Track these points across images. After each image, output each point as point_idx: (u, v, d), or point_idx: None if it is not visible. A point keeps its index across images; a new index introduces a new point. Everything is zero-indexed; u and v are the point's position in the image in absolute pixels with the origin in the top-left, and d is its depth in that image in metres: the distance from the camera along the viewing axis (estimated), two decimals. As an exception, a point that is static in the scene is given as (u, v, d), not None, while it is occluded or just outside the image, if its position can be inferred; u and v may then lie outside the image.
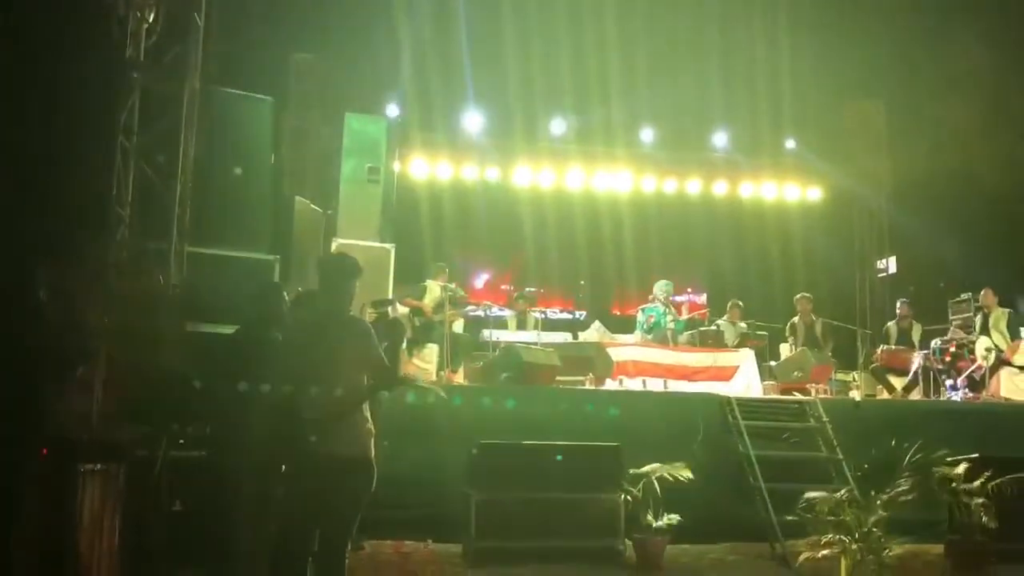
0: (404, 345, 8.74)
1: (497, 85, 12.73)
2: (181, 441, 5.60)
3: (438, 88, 12.37)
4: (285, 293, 5.45)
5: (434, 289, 9.92)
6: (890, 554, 4.34)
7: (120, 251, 6.43)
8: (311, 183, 10.59)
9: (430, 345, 9.51)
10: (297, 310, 5.27)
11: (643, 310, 11.09)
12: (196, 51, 7.05)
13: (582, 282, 13.29)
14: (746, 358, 10.32)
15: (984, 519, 6.75)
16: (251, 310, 5.29)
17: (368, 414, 4.14)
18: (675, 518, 6.80)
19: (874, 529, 4.32)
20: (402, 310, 9.48)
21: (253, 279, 6.82)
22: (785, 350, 11.19)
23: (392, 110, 12.83)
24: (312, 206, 9.41)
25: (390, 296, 9.01)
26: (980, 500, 6.81)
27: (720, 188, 14.93)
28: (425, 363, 9.30)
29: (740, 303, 11.67)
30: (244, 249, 7.45)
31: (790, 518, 6.42)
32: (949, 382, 9.96)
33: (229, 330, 5.52)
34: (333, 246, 9.06)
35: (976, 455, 7.11)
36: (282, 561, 3.97)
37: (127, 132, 6.58)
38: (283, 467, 4.25)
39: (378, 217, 9.64)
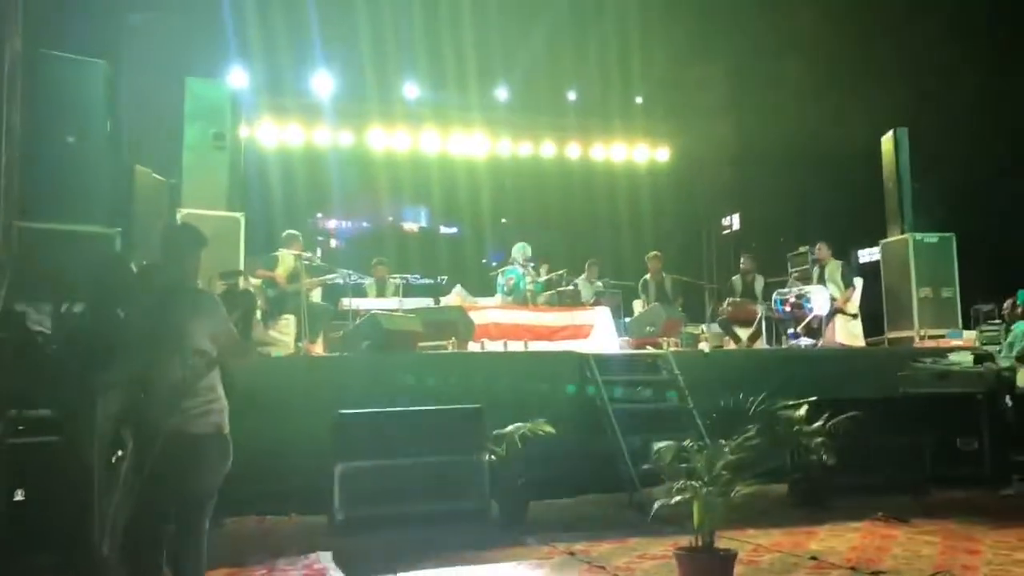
0: (258, 317, 8.52)
1: (347, 47, 12.46)
2: (20, 428, 5.30)
3: (285, 51, 12.00)
4: (133, 266, 5.19)
5: (287, 259, 9.67)
6: (738, 495, 4.58)
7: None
8: (152, 151, 10.08)
9: (287, 316, 9.28)
10: (141, 284, 5.02)
11: (503, 273, 11.20)
12: (15, 10, 6.54)
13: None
14: (602, 315, 10.60)
15: (823, 457, 7.22)
16: (93, 287, 5.02)
17: (221, 389, 4.01)
18: (538, 475, 6.95)
19: (723, 472, 4.54)
20: (255, 282, 9.21)
21: (93, 254, 6.48)
22: (638, 306, 11.57)
23: (237, 74, 12.36)
24: (154, 175, 8.98)
25: (240, 267, 8.73)
26: (819, 439, 7.28)
27: (573, 151, 15.19)
28: (283, 334, 9.08)
29: (596, 261, 11.96)
30: (81, 222, 7.07)
31: (646, 467, 6.69)
32: (790, 331, 10.53)
33: (72, 308, 5.22)
34: (178, 216, 8.68)
35: (815, 398, 7.57)
36: (135, 543, 3.82)
37: (-61, 99, 6.08)
38: (133, 448, 4.07)
39: (225, 185, 9.27)
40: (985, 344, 9.78)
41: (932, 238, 10.98)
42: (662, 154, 15.88)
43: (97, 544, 4.16)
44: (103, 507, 4.15)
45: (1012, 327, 8.51)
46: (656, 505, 4.73)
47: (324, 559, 5.81)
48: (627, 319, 11.08)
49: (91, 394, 4.34)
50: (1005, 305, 8.91)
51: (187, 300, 3.99)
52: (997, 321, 10.05)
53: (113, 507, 4.19)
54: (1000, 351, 8.67)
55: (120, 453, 4.16)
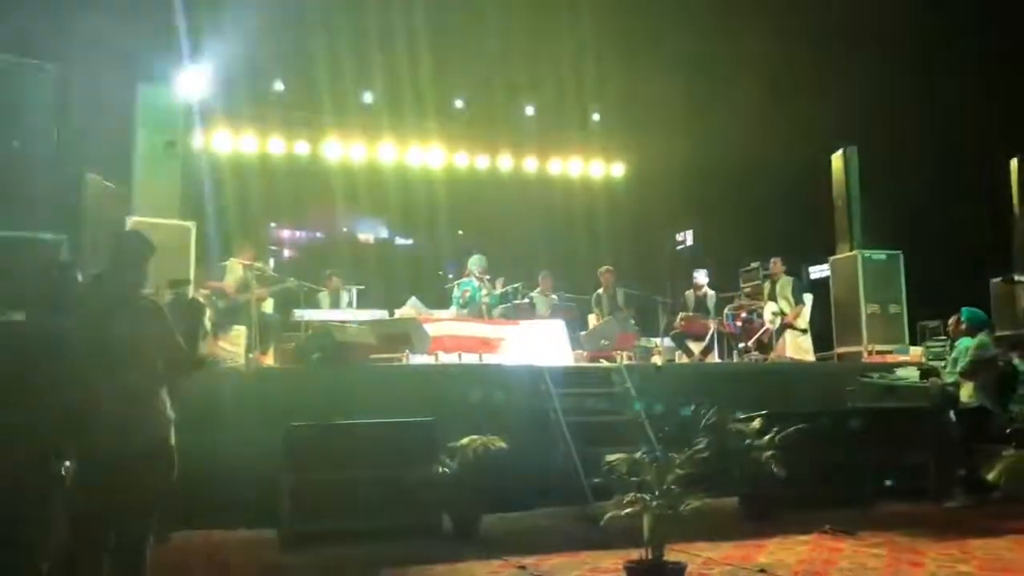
0: (208, 327, 8.39)
1: (303, 57, 12.37)
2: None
3: (241, 58, 11.87)
4: (79, 275, 5.09)
5: (236, 268, 9.54)
6: (688, 508, 4.61)
7: None
8: (103, 158, 9.90)
9: (237, 327, 9.16)
10: (88, 293, 4.93)
11: (458, 285, 11.19)
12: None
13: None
14: (557, 328, 10.62)
15: (773, 470, 7.29)
16: (37, 294, 4.91)
17: (167, 400, 3.95)
18: (492, 488, 6.93)
19: (672, 486, 4.57)
20: (204, 292, 9.08)
21: (38, 261, 6.35)
22: (593, 320, 11.62)
23: (192, 81, 12.18)
24: (105, 182, 8.82)
25: (190, 277, 8.60)
26: (769, 453, 7.35)
27: (530, 164, 15.25)
28: (233, 346, 8.95)
29: (550, 275, 11.98)
30: (26, 229, 6.89)
31: (598, 480, 6.71)
32: (741, 345, 10.66)
33: (14, 316, 5.11)
34: (128, 224, 8.52)
35: (765, 412, 7.65)
36: (75, 556, 3.73)
37: None
38: (74, 459, 3.98)
39: (177, 193, 9.13)
40: (931, 360, 9.99)
41: (880, 255, 11.20)
42: (618, 169, 16.00)
43: (34, 554, 4.07)
44: (44, 518, 4.06)
45: (956, 343, 8.68)
46: (606, 518, 4.74)
47: None
48: (582, 332, 11.11)
49: (31, 404, 4.24)
50: (950, 322, 9.09)
51: (133, 309, 3.92)
52: (942, 337, 10.27)
53: (55, 518, 4.10)
54: (945, 367, 8.84)
55: (67, 464, 4.08)
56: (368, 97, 13.82)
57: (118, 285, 4.01)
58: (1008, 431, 7.89)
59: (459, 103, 14.43)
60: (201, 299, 8.65)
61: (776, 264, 11.25)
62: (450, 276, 12.16)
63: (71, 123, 9.92)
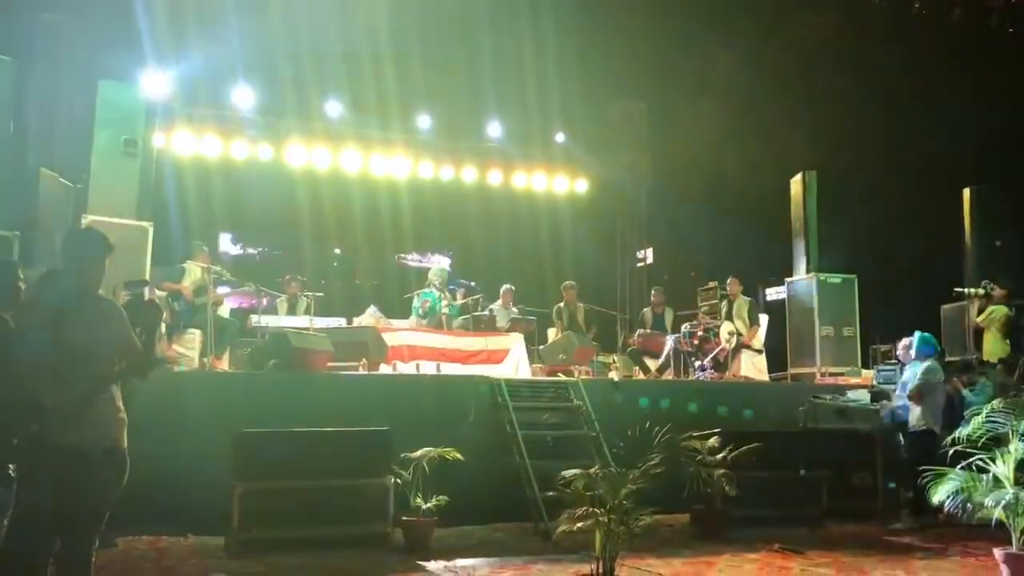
0: (163, 330, 8.27)
1: (267, 61, 12.27)
2: None
3: (204, 59, 11.75)
4: (21, 272, 4.96)
5: (194, 271, 9.43)
6: (640, 524, 4.64)
7: None
8: (60, 154, 9.73)
9: (192, 330, 9.04)
10: (40, 290, 4.82)
11: (419, 295, 11.16)
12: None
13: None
14: (516, 341, 10.64)
15: (725, 488, 7.35)
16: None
17: (120, 402, 3.88)
18: (443, 500, 6.90)
19: (624, 501, 4.60)
20: (160, 294, 8.95)
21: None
22: (552, 334, 11.65)
23: (154, 80, 12.03)
24: (61, 179, 8.67)
25: (147, 277, 8.46)
26: (721, 471, 7.42)
27: (495, 178, 15.26)
28: (187, 349, 8.83)
29: (512, 288, 11.99)
30: (-24, 224, 6.76)
31: (551, 494, 6.71)
32: (697, 363, 10.75)
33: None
34: (84, 223, 8.37)
35: (719, 430, 7.72)
36: (17, 563, 3.64)
37: None
38: (19, 460, 3.89)
39: (135, 193, 8.96)
40: (881, 383, 10.15)
41: (836, 279, 11.37)
42: (581, 185, 16.07)
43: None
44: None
45: (906, 367, 8.84)
46: (557, 532, 4.75)
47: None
48: (541, 347, 11.13)
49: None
50: (900, 346, 9.26)
51: (87, 308, 3.85)
52: (893, 361, 10.44)
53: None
54: (895, 390, 9.00)
55: (12, 467, 3.98)
56: (333, 106, 13.71)
57: (73, 283, 3.93)
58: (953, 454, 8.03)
59: (424, 119, 14.36)
60: (158, 301, 8.52)
61: (734, 284, 11.38)
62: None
63: (29, 118, 9.75)
